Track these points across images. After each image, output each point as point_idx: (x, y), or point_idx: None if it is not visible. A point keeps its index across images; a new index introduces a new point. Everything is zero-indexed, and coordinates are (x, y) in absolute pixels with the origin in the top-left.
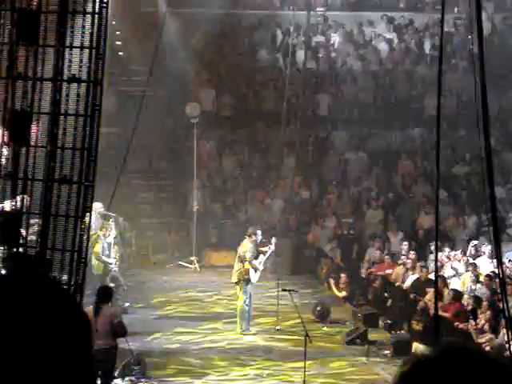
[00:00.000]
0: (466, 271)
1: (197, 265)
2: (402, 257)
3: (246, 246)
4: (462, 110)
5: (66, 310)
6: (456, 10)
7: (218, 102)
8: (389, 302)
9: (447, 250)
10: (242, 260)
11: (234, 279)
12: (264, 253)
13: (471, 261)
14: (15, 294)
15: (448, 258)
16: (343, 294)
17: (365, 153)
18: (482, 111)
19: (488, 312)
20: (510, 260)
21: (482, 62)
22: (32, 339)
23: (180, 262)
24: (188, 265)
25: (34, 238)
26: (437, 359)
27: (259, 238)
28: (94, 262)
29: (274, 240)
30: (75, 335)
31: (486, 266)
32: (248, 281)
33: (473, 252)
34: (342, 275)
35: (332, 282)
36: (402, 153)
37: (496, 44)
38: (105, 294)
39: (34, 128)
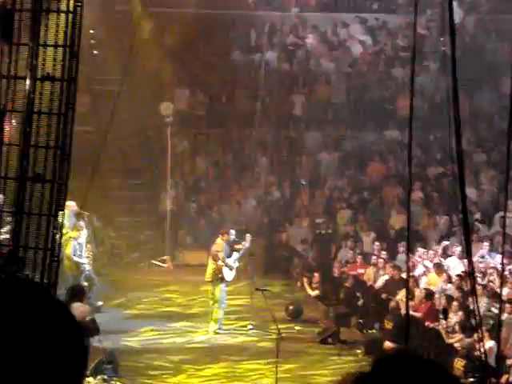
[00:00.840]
0: (435, 271)
1: (170, 264)
2: (374, 257)
3: (218, 245)
4: (434, 111)
5: (55, 313)
6: (429, 12)
7: (192, 101)
8: (360, 302)
9: (420, 249)
10: (215, 259)
11: (208, 278)
12: (238, 250)
13: (441, 261)
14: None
15: (420, 257)
16: (316, 293)
17: (338, 153)
18: (453, 112)
19: (459, 312)
20: (482, 257)
21: (454, 63)
22: (24, 344)
23: (153, 261)
24: (161, 264)
25: (7, 236)
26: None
27: (232, 236)
28: (66, 262)
29: (248, 237)
30: (67, 340)
31: (457, 266)
32: (222, 279)
33: (443, 252)
34: (315, 274)
35: (305, 280)
36: (374, 153)
37: (469, 46)
38: (75, 293)
39: (7, 126)
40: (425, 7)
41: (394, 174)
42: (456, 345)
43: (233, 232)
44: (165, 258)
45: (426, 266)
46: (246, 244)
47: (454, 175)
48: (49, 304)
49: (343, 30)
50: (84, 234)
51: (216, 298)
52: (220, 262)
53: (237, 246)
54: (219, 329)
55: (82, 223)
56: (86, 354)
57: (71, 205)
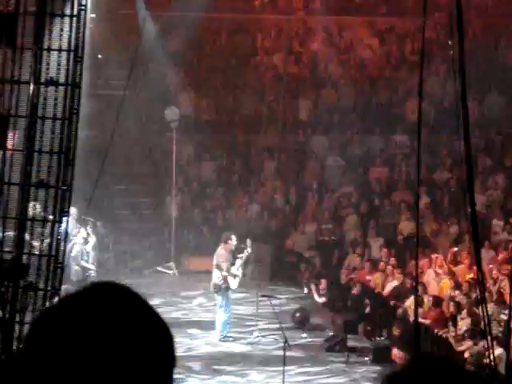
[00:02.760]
0: (446, 277)
1: (175, 270)
2: (381, 263)
3: (221, 255)
4: (442, 115)
5: (147, 313)
6: (437, 15)
7: (198, 106)
8: (368, 309)
9: (429, 255)
10: (219, 269)
11: (214, 288)
12: (241, 257)
13: (451, 267)
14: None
15: (429, 262)
16: (323, 299)
17: (345, 158)
18: (462, 117)
19: (468, 319)
20: None
21: (463, 67)
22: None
23: (158, 268)
24: (166, 270)
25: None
26: (411, 372)
27: (234, 243)
28: (74, 267)
29: (249, 242)
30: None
31: (467, 272)
32: (227, 288)
33: (453, 258)
34: (322, 281)
35: (313, 287)
36: (382, 158)
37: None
38: None
39: (11, 131)
40: (433, 10)
41: (403, 179)
42: (465, 352)
43: (234, 238)
44: (170, 264)
45: (436, 272)
46: (249, 250)
47: (462, 180)
48: (140, 305)
49: (351, 33)
50: (92, 240)
51: (222, 306)
52: (224, 273)
53: (239, 255)
54: (225, 336)
55: (89, 229)
56: (173, 346)
57: (72, 211)
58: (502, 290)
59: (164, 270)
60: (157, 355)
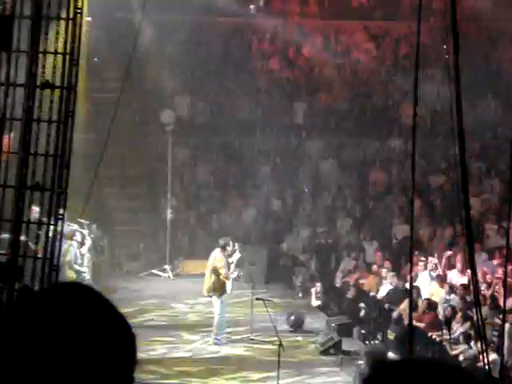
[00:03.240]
0: (438, 281)
1: (170, 273)
2: (374, 266)
3: (220, 260)
4: (437, 119)
5: (105, 309)
6: (432, 19)
7: (193, 109)
8: (362, 312)
9: (422, 258)
10: (217, 273)
11: (209, 292)
12: (232, 262)
13: (445, 271)
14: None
15: (424, 266)
16: (318, 303)
17: (340, 162)
18: (456, 121)
19: (462, 322)
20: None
21: (458, 71)
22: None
23: (153, 271)
24: (161, 273)
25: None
26: (398, 366)
27: (231, 248)
28: (67, 270)
29: (237, 246)
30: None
31: (460, 276)
32: (224, 292)
33: (447, 263)
34: (317, 284)
35: (309, 290)
36: (377, 162)
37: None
38: None
39: (6, 134)
40: (428, 15)
41: (397, 183)
42: (459, 356)
43: (231, 243)
44: (165, 267)
45: (430, 276)
46: (237, 253)
47: (456, 184)
48: (99, 302)
49: (346, 37)
50: (87, 243)
51: (218, 310)
52: (222, 278)
53: (230, 258)
54: (220, 340)
55: (84, 232)
56: (134, 341)
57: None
58: (496, 294)
59: (159, 273)
60: (115, 352)
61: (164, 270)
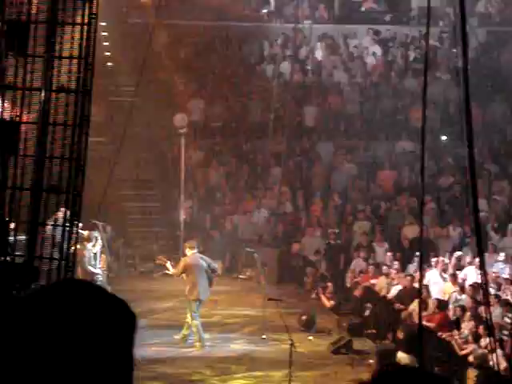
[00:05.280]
0: (450, 281)
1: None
2: (384, 267)
3: (206, 259)
4: (446, 122)
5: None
6: (441, 23)
7: (206, 112)
8: (370, 312)
9: (433, 259)
10: (211, 275)
11: (205, 296)
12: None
13: (455, 271)
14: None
15: (436, 264)
16: (331, 303)
17: (350, 164)
18: (466, 123)
19: (472, 322)
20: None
21: (467, 74)
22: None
23: (167, 271)
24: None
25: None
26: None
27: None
28: (80, 272)
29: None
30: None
31: (471, 276)
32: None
33: (456, 263)
34: (328, 285)
35: (321, 291)
36: (387, 164)
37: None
38: None
39: (22, 137)
40: (437, 19)
41: (407, 185)
42: (469, 356)
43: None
44: None
45: (440, 276)
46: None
47: (466, 186)
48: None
49: (356, 41)
50: (99, 245)
51: (197, 315)
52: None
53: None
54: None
55: (96, 234)
56: (135, 321)
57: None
58: (505, 294)
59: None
60: (112, 337)
61: None
